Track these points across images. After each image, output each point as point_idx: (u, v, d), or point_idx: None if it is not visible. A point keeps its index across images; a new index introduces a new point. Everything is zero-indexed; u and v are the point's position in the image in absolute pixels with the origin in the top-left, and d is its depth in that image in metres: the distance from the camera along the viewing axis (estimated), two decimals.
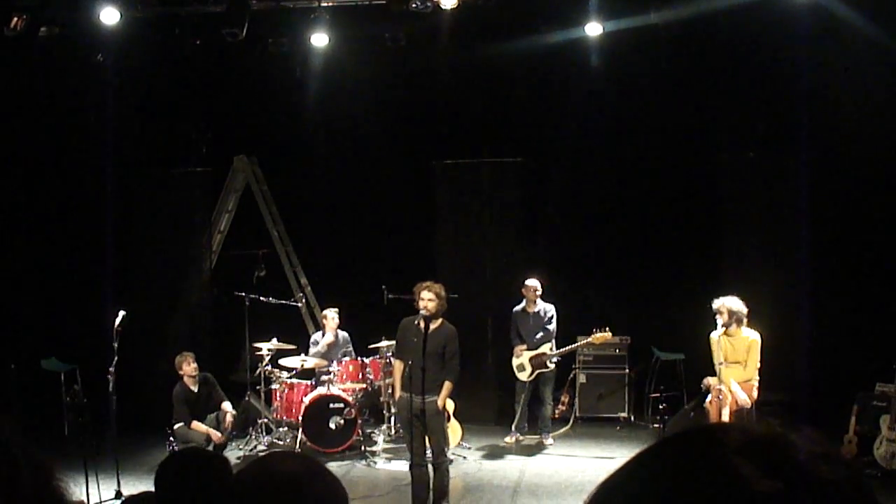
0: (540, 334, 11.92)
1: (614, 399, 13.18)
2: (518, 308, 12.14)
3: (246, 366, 12.54)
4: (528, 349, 11.91)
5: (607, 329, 12.11)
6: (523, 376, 11.98)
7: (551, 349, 11.92)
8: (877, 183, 12.54)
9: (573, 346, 12.27)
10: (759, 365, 9.85)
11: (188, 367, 11.19)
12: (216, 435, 10.99)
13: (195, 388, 11.17)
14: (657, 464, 1.02)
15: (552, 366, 11.98)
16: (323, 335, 12.55)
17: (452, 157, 14.01)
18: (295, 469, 1.74)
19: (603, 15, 11.80)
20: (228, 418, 11.15)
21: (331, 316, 12.53)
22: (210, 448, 10.50)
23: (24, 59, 12.26)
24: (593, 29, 11.94)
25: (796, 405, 11.58)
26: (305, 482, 1.72)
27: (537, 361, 11.86)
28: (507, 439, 12.08)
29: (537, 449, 11.92)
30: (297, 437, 11.58)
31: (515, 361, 12.01)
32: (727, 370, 9.71)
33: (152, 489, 3.60)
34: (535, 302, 11.99)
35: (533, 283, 11.99)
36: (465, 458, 11.41)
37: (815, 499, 0.94)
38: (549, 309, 12.01)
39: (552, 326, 11.96)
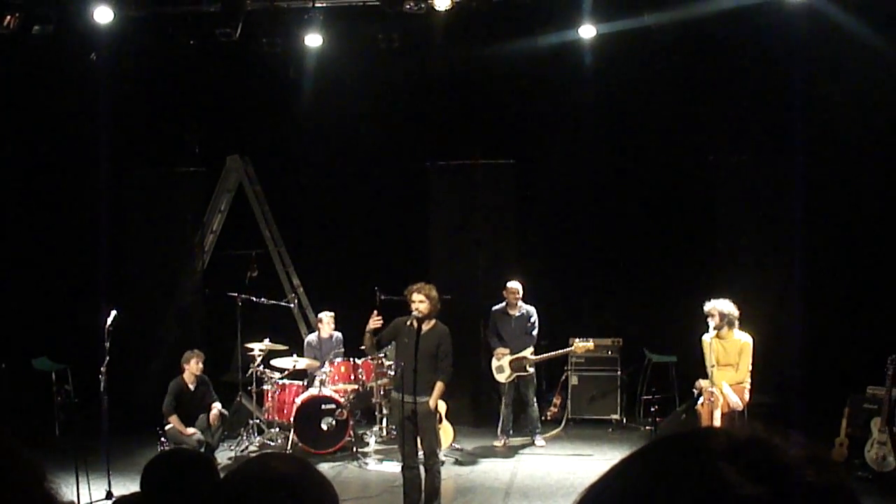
0: (523, 338, 11.94)
1: (606, 401, 13.19)
2: (498, 308, 12.15)
3: (238, 366, 12.53)
4: (512, 352, 11.92)
5: (590, 339, 12.20)
6: (501, 378, 12.00)
7: (532, 353, 11.94)
8: (870, 187, 12.59)
9: (554, 353, 12.27)
10: (750, 367, 9.86)
11: (194, 366, 11.09)
12: (191, 431, 10.88)
13: (192, 387, 11.13)
14: (643, 468, 1.02)
15: (531, 370, 11.99)
16: (317, 337, 12.55)
17: (446, 158, 14.02)
18: (285, 470, 1.74)
19: (597, 17, 11.81)
20: (214, 412, 11.07)
21: (326, 319, 12.53)
22: (202, 450, 10.48)
23: (17, 58, 12.25)
24: (587, 31, 11.96)
25: (788, 408, 11.59)
26: (296, 483, 1.71)
27: (517, 365, 11.87)
28: (496, 443, 12.09)
29: (529, 450, 11.92)
30: (288, 437, 11.57)
31: (495, 363, 12.03)
32: (719, 373, 9.71)
33: None
34: (516, 304, 12.00)
35: (514, 285, 12.00)
36: (456, 459, 11.40)
37: (800, 503, 0.94)
38: (531, 312, 12.02)
39: (536, 331, 11.99)
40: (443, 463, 9.72)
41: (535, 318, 12.01)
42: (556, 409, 13.31)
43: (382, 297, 11.77)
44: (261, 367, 11.91)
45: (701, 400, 9.87)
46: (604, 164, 13.85)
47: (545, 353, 12.19)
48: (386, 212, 14.29)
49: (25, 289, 13.68)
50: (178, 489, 3.40)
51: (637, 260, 13.75)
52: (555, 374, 13.27)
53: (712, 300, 9.87)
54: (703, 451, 0.97)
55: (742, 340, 9.81)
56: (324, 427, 11.39)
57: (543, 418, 12.72)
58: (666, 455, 1.02)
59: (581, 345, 12.16)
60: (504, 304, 12.08)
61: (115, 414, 10.22)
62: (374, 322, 8.90)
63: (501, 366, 11.96)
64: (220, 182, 14.53)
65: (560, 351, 12.31)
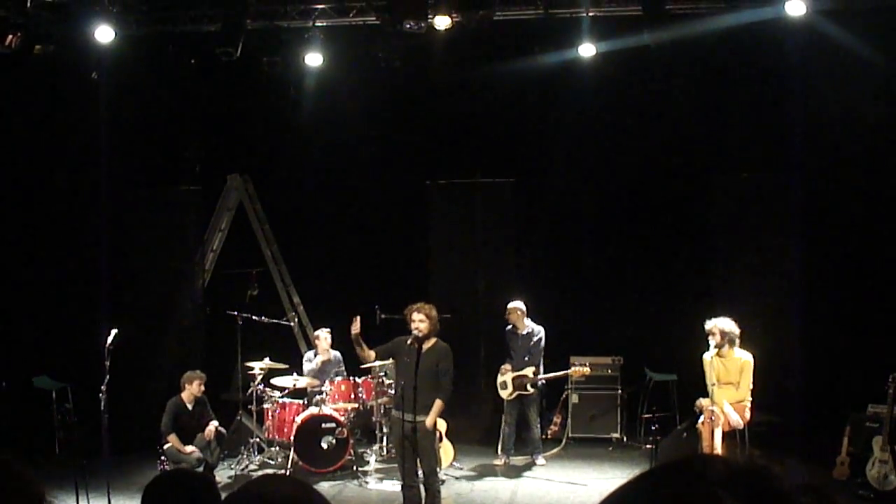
0: (527, 357, 11.94)
1: (607, 420, 13.16)
2: (509, 327, 12.16)
3: (238, 385, 12.51)
4: (514, 369, 11.93)
5: (586, 364, 12.23)
6: (504, 394, 12.02)
7: (535, 373, 11.92)
8: (869, 204, 12.59)
9: (553, 374, 12.24)
10: (751, 386, 9.84)
11: (196, 388, 11.03)
12: (189, 449, 10.85)
13: (190, 406, 11.12)
14: (641, 495, 1.03)
15: (533, 389, 11.96)
16: (315, 355, 12.54)
17: (446, 176, 14.04)
18: (285, 493, 1.74)
19: (596, 36, 11.85)
20: (209, 429, 11.02)
21: (323, 336, 12.52)
22: (201, 469, 10.45)
23: (18, 77, 12.28)
24: (587, 50, 11.99)
25: (789, 426, 11.57)
26: None
27: (519, 383, 11.88)
28: (496, 461, 12.07)
29: (529, 469, 11.90)
30: (288, 456, 11.55)
31: (500, 378, 12.06)
32: (720, 391, 9.70)
33: None
34: (523, 322, 12.00)
35: (515, 304, 12.02)
36: (456, 478, 11.38)
37: None
38: (538, 331, 12.02)
39: (539, 350, 11.97)
40: (443, 482, 9.70)
41: (539, 337, 11.99)
42: (556, 428, 13.29)
43: (383, 316, 11.78)
44: (261, 386, 11.89)
45: (702, 419, 9.86)
46: (603, 182, 13.88)
47: (546, 372, 12.17)
48: (386, 230, 14.30)
49: (26, 307, 13.67)
50: None
51: (637, 278, 13.75)
52: (555, 393, 13.24)
53: (713, 318, 9.87)
54: (702, 479, 0.98)
55: (743, 359, 9.81)
56: (324, 446, 11.37)
57: (544, 437, 12.70)
58: (664, 482, 1.02)
59: (578, 369, 12.18)
60: (512, 323, 12.11)
61: (115, 433, 10.21)
62: (354, 327, 8.96)
63: (505, 381, 11.99)
64: (221, 201, 14.55)
65: (558, 373, 12.28)
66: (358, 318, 9.05)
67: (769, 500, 0.95)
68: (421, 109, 13.97)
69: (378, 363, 11.69)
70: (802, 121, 12.09)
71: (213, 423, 11.08)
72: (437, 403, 8.70)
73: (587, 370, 12.21)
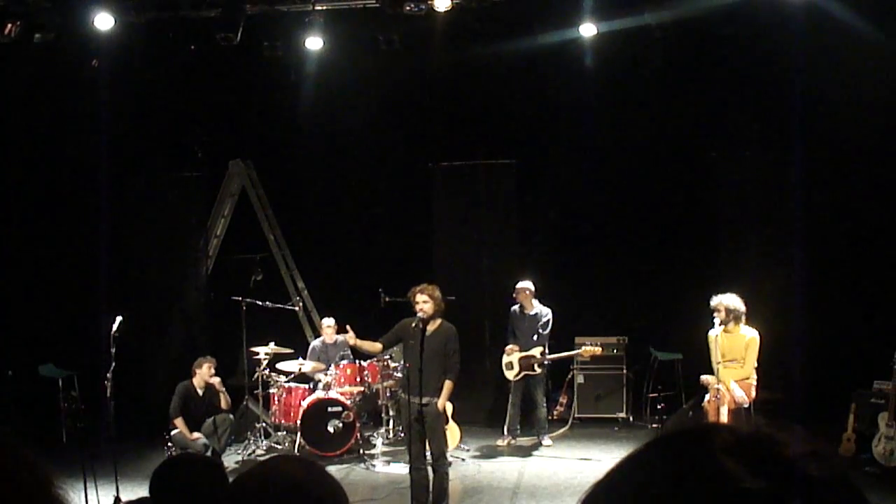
0: (535, 337, 11.93)
1: (612, 399, 13.18)
2: (515, 308, 12.15)
3: (244, 370, 12.53)
4: (521, 350, 11.92)
5: (599, 343, 12.27)
6: (510, 375, 12.00)
7: (542, 353, 11.93)
8: (872, 180, 12.57)
9: (563, 354, 12.23)
10: (756, 363, 9.82)
11: (205, 372, 11.10)
12: (196, 436, 10.91)
13: (200, 392, 11.16)
14: (647, 464, 1.03)
15: (540, 370, 11.97)
16: (322, 342, 12.55)
17: (447, 159, 14.02)
18: (296, 473, 1.74)
19: (597, 16, 11.80)
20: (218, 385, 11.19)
21: (326, 325, 12.53)
22: (208, 454, 10.48)
23: (18, 66, 12.26)
24: (588, 30, 11.95)
25: (794, 404, 11.57)
26: (307, 486, 1.72)
27: (526, 363, 11.87)
28: (500, 441, 12.08)
29: (536, 450, 11.91)
30: (295, 440, 11.58)
31: (505, 359, 12.04)
32: (725, 369, 9.68)
33: None
34: (531, 303, 12.00)
35: (524, 284, 12.00)
36: (463, 460, 11.40)
37: (802, 497, 0.94)
38: (546, 312, 12.01)
39: (546, 331, 11.97)
40: (450, 464, 9.72)
41: (546, 319, 11.97)
42: (562, 408, 13.32)
43: (387, 299, 11.78)
44: (266, 371, 11.92)
45: (707, 397, 9.85)
46: (606, 162, 13.84)
47: (552, 353, 12.17)
48: (389, 214, 14.30)
49: (31, 296, 13.68)
50: (187, 494, 3.41)
51: (640, 258, 13.74)
52: (561, 373, 13.26)
53: (718, 295, 9.83)
54: (706, 446, 0.98)
55: (748, 336, 9.76)
56: (330, 430, 11.39)
57: (550, 417, 12.71)
58: (670, 450, 1.02)
59: (588, 349, 12.15)
60: (519, 304, 12.10)
61: (121, 420, 10.23)
62: (350, 339, 9.09)
63: (511, 362, 11.97)
64: (224, 187, 14.55)
65: (568, 353, 12.28)
66: (348, 327, 9.20)
67: (775, 467, 0.95)
68: (422, 91, 13.95)
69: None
70: (804, 97, 12.04)
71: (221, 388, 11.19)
72: (448, 385, 8.72)
73: (598, 350, 12.19)
